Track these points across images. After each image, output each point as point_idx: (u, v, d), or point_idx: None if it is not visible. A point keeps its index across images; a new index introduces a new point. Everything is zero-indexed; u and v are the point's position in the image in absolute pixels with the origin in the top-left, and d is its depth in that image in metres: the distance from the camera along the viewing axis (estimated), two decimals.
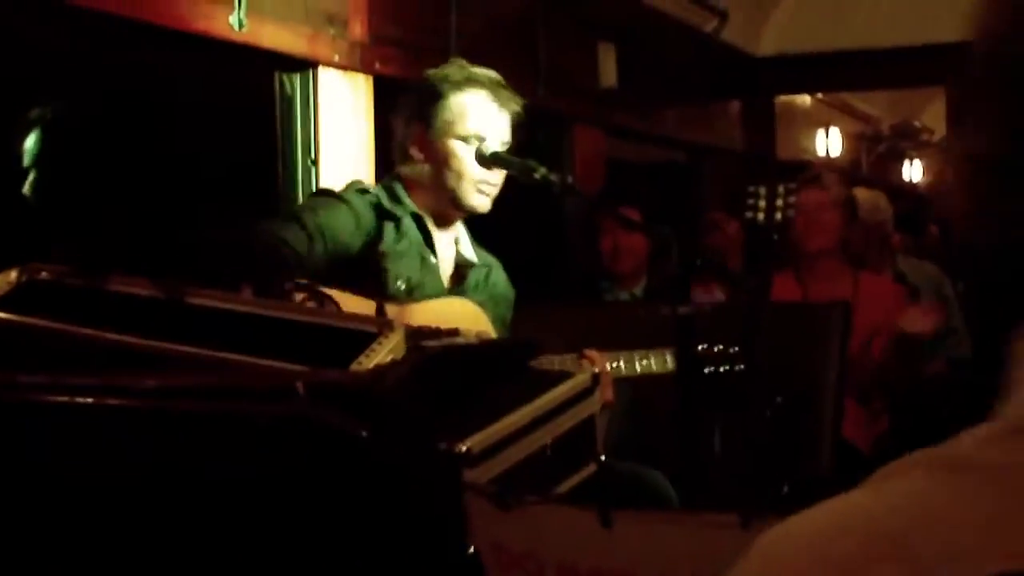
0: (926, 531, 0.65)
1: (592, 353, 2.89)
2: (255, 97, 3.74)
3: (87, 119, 3.77)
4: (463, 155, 2.88)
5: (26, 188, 3.33)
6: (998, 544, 0.63)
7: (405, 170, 2.98)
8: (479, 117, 2.90)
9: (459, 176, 2.89)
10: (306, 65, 3.63)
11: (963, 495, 0.66)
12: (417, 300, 2.81)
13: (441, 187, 2.91)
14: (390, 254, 2.82)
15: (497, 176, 2.91)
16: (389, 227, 2.85)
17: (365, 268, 2.78)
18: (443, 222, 2.97)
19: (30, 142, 3.34)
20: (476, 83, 2.92)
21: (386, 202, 2.89)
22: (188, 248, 2.38)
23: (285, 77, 3.65)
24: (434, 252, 2.92)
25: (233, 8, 3.27)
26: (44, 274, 2.03)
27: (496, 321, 3.00)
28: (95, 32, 3.28)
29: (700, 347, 2.96)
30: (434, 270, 2.91)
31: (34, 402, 1.70)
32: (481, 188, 2.91)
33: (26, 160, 3.33)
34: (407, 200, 2.91)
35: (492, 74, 2.97)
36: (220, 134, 4.06)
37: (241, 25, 3.29)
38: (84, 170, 3.72)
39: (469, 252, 3.02)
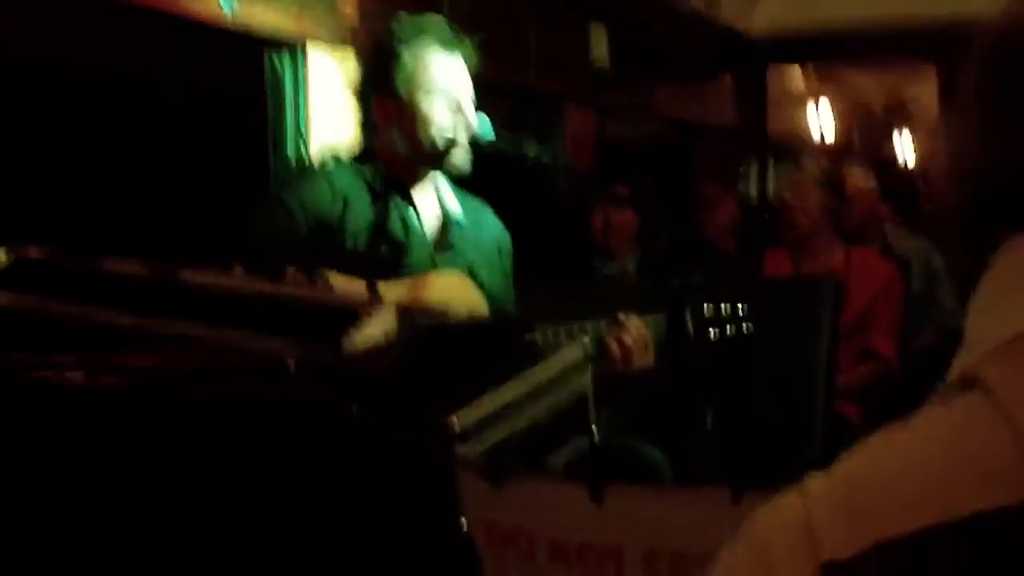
0: (869, 493, 0.72)
1: (627, 319, 2.86)
2: (245, 75, 3.73)
3: (82, 79, 3.77)
4: (432, 111, 2.84)
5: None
6: (930, 497, 0.70)
7: (374, 140, 2.94)
8: (438, 68, 2.85)
9: (432, 133, 2.84)
10: (295, 43, 3.62)
11: (899, 457, 0.74)
12: (404, 265, 2.79)
13: (418, 149, 2.86)
14: (371, 221, 2.79)
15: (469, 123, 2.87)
16: (366, 194, 2.82)
17: (348, 238, 2.76)
18: (419, 179, 2.92)
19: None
20: (425, 33, 2.87)
21: (361, 169, 2.86)
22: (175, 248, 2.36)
23: (274, 55, 3.65)
24: (416, 213, 2.89)
25: None
26: (35, 253, 2.02)
27: (494, 272, 2.96)
28: (84, 14, 3.28)
29: (707, 306, 2.92)
30: (417, 231, 2.87)
31: (24, 380, 1.70)
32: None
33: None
34: (380, 164, 2.87)
35: (437, 20, 2.91)
36: (210, 112, 4.05)
37: (231, 4, 3.28)
38: (86, 133, 3.73)
39: (453, 205, 2.97)
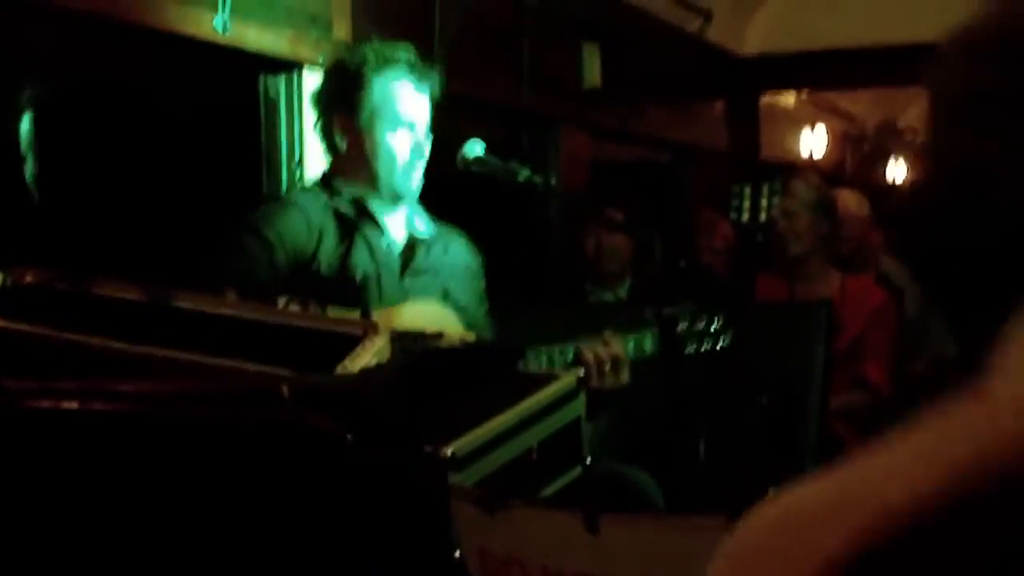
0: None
1: (609, 337, 2.86)
2: (239, 99, 3.74)
3: (77, 101, 3.76)
4: (394, 144, 2.84)
5: (27, 175, 3.31)
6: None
7: (337, 162, 2.94)
8: (404, 101, 2.86)
9: (390, 167, 2.85)
10: (290, 66, 3.63)
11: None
12: (377, 290, 2.79)
13: (372, 176, 2.86)
14: (341, 249, 2.79)
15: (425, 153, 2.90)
16: (335, 221, 2.82)
17: (322, 268, 2.76)
18: (386, 202, 2.94)
19: (24, 125, 3.32)
20: (396, 63, 2.87)
21: (327, 196, 2.86)
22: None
23: (269, 78, 3.65)
24: (384, 235, 2.89)
25: (217, 10, 3.26)
26: (29, 278, 2.02)
27: (464, 293, 2.96)
28: (80, 34, 3.27)
29: (681, 325, 2.92)
30: (387, 254, 2.87)
31: (18, 407, 1.70)
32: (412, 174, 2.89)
33: (23, 145, 3.32)
34: (345, 189, 2.87)
35: (408, 51, 2.91)
36: (205, 136, 4.05)
37: (225, 27, 3.28)
38: (79, 154, 3.72)
39: (422, 227, 2.98)
